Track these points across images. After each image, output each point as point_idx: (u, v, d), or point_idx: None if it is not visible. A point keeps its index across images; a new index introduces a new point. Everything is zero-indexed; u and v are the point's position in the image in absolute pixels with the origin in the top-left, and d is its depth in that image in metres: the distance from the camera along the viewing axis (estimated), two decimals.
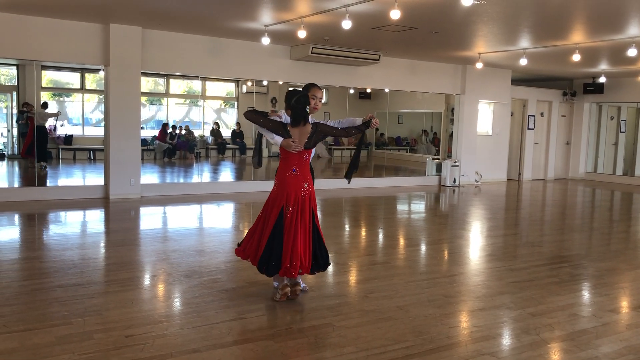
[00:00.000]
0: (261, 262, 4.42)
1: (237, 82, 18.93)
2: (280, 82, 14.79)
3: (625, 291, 5.25)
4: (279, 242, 4.37)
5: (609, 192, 13.92)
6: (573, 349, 3.74)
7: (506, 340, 3.96)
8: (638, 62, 11.85)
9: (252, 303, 4.44)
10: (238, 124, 18.90)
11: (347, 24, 7.46)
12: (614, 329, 4.13)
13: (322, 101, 4.79)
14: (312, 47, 10.56)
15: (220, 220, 8.69)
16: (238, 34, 10.18)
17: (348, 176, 4.77)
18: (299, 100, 4.40)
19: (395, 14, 6.84)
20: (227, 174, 15.43)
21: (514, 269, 5.83)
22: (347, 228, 8.36)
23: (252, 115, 4.42)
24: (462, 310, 4.57)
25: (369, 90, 18.07)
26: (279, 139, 4.41)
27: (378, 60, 11.54)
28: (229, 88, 19.57)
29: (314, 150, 4.58)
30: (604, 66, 13.02)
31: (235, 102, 19.54)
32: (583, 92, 15.92)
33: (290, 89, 4.61)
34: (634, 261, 6.49)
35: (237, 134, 18.62)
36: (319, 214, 4.87)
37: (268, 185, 12.64)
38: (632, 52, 9.16)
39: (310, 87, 4.68)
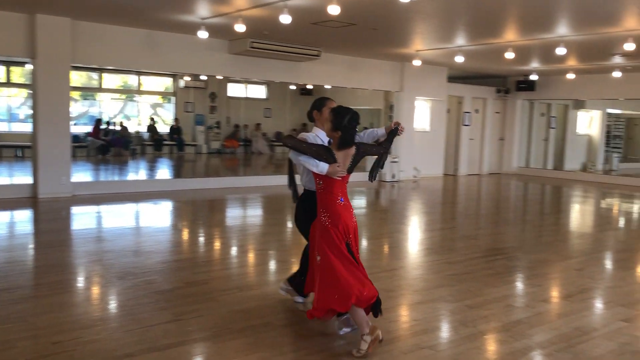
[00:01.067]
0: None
1: (174, 76, 18.48)
2: (220, 77, 14.54)
3: (556, 281, 5.45)
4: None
5: (540, 185, 14.48)
6: (508, 339, 3.82)
7: (445, 333, 4.01)
8: (567, 60, 12.37)
9: (190, 304, 4.31)
10: (176, 119, 18.47)
11: (285, 19, 7.38)
12: (546, 319, 4.26)
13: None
14: (251, 42, 10.41)
15: (157, 220, 8.43)
16: (174, 27, 9.91)
17: (373, 176, 4.04)
18: (352, 120, 3.75)
19: (334, 10, 6.83)
20: (164, 171, 15.04)
21: (451, 262, 5.94)
22: (289, 225, 8.29)
23: (293, 141, 3.77)
24: (401, 304, 4.61)
25: (310, 87, 18.08)
26: (324, 166, 3.69)
27: (318, 56, 11.52)
28: (166, 83, 19.08)
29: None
30: (535, 64, 13.51)
31: (173, 97, 19.09)
32: (516, 89, 16.48)
33: (334, 106, 3.94)
34: (564, 252, 6.75)
35: (174, 130, 18.20)
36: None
37: (208, 183, 12.42)
38: (561, 51, 9.53)
39: (325, 100, 4.12)
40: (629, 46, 8.55)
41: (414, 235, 7.74)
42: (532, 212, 10.62)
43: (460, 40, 10.34)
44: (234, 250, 6.41)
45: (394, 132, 3.99)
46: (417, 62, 12.00)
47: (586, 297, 4.87)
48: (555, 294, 5.05)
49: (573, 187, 13.99)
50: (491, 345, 3.79)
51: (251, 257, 6.11)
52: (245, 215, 9.21)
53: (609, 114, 19.19)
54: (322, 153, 3.72)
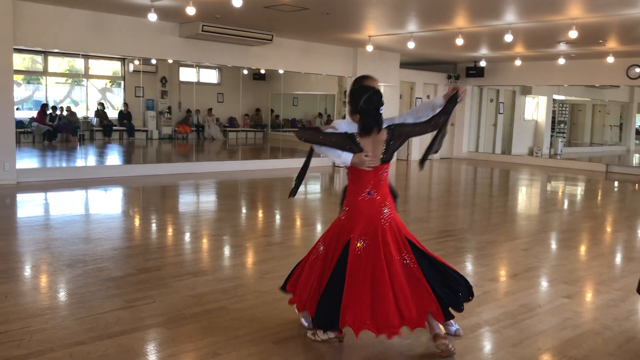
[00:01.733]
0: (318, 315, 3.32)
1: (123, 60, 17.97)
2: (170, 61, 14.26)
3: (503, 261, 5.63)
4: (339, 289, 3.23)
5: (489, 169, 14.87)
6: (457, 317, 3.92)
7: None
8: (514, 47, 12.69)
9: (142, 290, 4.26)
10: (125, 104, 18.00)
11: (237, 2, 7.29)
12: (493, 297, 4.41)
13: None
14: (203, 25, 10.24)
15: (107, 207, 8.25)
16: (123, 9, 9.64)
17: (423, 162, 3.71)
18: (370, 100, 3.27)
19: None
20: (114, 157, 14.69)
21: None
22: (243, 210, 8.26)
23: (307, 133, 3.43)
24: None
25: (263, 71, 17.92)
26: (347, 156, 3.26)
27: (271, 40, 11.44)
28: (114, 67, 18.55)
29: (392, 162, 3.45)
30: (484, 51, 13.81)
31: (122, 82, 18.58)
32: (466, 75, 16.80)
33: (354, 87, 3.49)
34: (511, 233, 6.98)
35: (124, 115, 17.73)
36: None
37: (159, 169, 12.25)
38: (508, 38, 9.77)
39: (363, 79, 3.67)
40: (573, 34, 8.83)
41: None
42: (482, 195, 10.91)
43: (412, 27, 10.46)
44: (187, 237, 6.34)
45: (453, 98, 3.35)
46: (369, 48, 12.07)
47: (531, 275, 5.06)
48: (502, 273, 5.22)
49: (520, 171, 14.43)
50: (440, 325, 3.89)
51: (205, 242, 6.07)
52: (198, 201, 9.12)
53: (555, 100, 19.83)
54: (343, 142, 3.28)
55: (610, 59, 12.83)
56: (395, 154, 3.41)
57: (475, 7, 8.67)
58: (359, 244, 3.26)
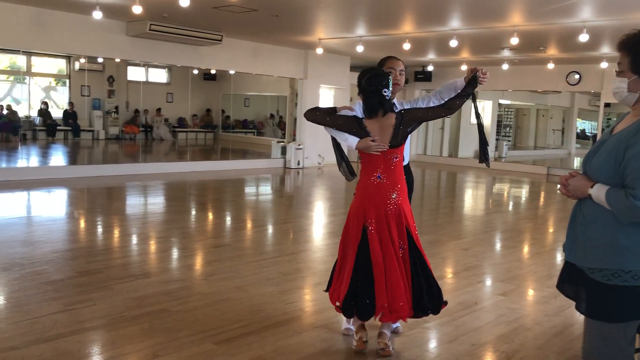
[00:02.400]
0: (346, 303, 3.26)
1: (68, 58, 17.49)
2: (118, 60, 13.99)
3: (445, 260, 5.79)
4: (367, 273, 3.23)
5: (436, 172, 15.22)
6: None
7: None
8: (460, 52, 13.04)
9: (82, 293, 4.19)
10: (70, 103, 17.53)
11: (184, 2, 7.24)
12: None
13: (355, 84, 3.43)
14: (150, 24, 10.09)
15: (49, 208, 8.02)
16: (67, 6, 9.40)
17: (486, 159, 3.54)
18: (370, 81, 3.20)
19: None
20: (58, 157, 14.27)
21: None
22: (192, 212, 8.19)
23: (315, 114, 3.33)
24: (299, 286, 4.73)
25: (214, 72, 17.78)
26: (353, 140, 3.23)
27: (220, 40, 11.38)
28: (59, 65, 18.02)
29: (407, 147, 3.39)
30: (431, 56, 14.13)
31: (67, 80, 18.07)
32: (414, 79, 17.14)
33: (365, 69, 3.34)
34: (454, 233, 7.18)
35: (69, 115, 17.27)
36: (417, 234, 3.49)
37: (106, 170, 11.98)
38: (453, 43, 10.04)
39: (385, 60, 3.56)
40: (514, 40, 9.16)
41: (317, 220, 7.92)
42: (428, 197, 11.16)
43: (361, 31, 10.61)
44: (133, 239, 6.25)
45: (473, 80, 3.27)
46: (319, 51, 12.17)
47: (470, 274, 5.23)
48: (442, 272, 5.36)
49: (466, 174, 14.83)
50: None
51: (151, 245, 6.00)
52: (145, 202, 8.98)
53: (500, 104, 20.45)
54: (350, 125, 3.24)
55: (550, 66, 13.35)
56: (409, 140, 3.38)
57: (422, 13, 8.88)
58: (371, 229, 3.26)
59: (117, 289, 4.31)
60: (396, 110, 3.30)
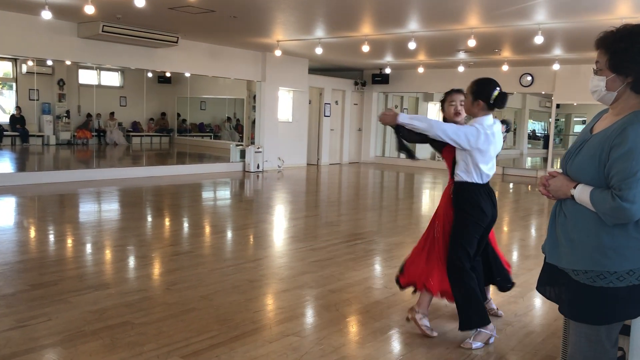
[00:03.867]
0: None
1: (15, 60, 16.80)
2: (68, 62, 13.52)
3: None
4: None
5: (395, 173, 15.31)
6: (369, 320, 3.98)
7: (309, 318, 4.07)
8: (417, 55, 13.16)
9: (36, 308, 3.95)
10: (18, 108, 16.85)
11: (139, 2, 7.01)
12: (401, 298, 4.49)
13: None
14: (103, 25, 9.76)
15: None
16: (12, 6, 8.99)
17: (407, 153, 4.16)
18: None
19: None
20: (5, 164, 13.66)
21: (315, 249, 6.06)
22: (148, 219, 7.93)
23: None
24: (266, 293, 4.60)
25: (168, 74, 17.42)
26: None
27: (176, 42, 11.12)
28: (5, 67, 17.28)
29: (458, 159, 3.66)
30: (389, 58, 14.21)
31: (14, 84, 17.35)
32: (372, 82, 17.23)
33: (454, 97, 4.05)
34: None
35: (16, 119, 16.59)
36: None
37: (57, 176, 11.48)
38: (411, 46, 10.10)
39: (446, 94, 4.12)
40: (471, 42, 9.28)
41: (279, 224, 7.79)
42: (388, 198, 11.19)
43: (320, 32, 10.55)
44: (88, 248, 5.98)
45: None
46: (278, 53, 12.05)
47: None
48: None
49: (423, 174, 14.96)
50: (353, 327, 3.91)
51: (107, 254, 5.75)
52: (100, 209, 8.64)
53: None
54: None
55: (505, 68, 13.63)
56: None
57: (381, 15, 8.89)
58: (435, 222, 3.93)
59: (74, 302, 4.09)
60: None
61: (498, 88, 3.74)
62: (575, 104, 15.61)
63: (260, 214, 8.55)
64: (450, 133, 3.54)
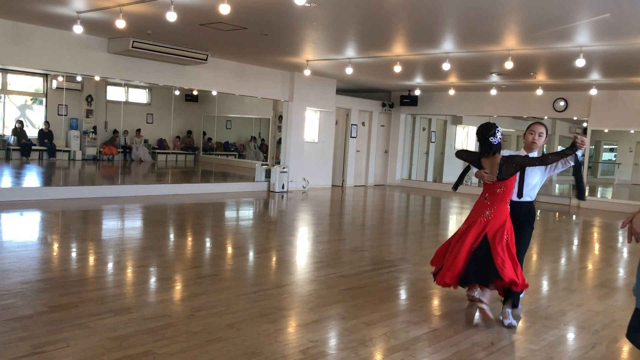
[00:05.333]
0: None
1: (45, 76, 16.98)
2: (97, 78, 13.57)
3: (444, 294, 5.40)
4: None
5: (421, 197, 14.96)
6: (409, 358, 3.66)
7: (344, 354, 3.76)
8: (448, 77, 12.90)
9: (54, 332, 3.72)
10: (46, 122, 16.97)
11: (171, 16, 6.88)
12: (444, 334, 4.16)
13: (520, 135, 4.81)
14: (133, 41, 9.71)
15: (20, 233, 7.48)
16: (45, 20, 8.98)
17: (581, 195, 4.69)
18: (480, 130, 4.53)
19: (224, 9, 6.46)
20: (32, 178, 13.66)
21: (344, 276, 5.76)
22: (172, 238, 7.72)
23: (460, 153, 4.85)
24: (296, 324, 4.30)
25: (195, 92, 17.42)
26: (474, 170, 4.64)
27: (205, 60, 11.04)
28: (36, 83, 17.48)
29: (531, 186, 4.59)
30: (419, 80, 13.96)
31: (44, 99, 17.51)
32: (400, 103, 16.99)
33: (535, 129, 4.66)
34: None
35: (45, 134, 16.69)
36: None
37: (82, 192, 11.38)
38: (446, 67, 9.84)
39: (530, 125, 4.71)
40: (509, 65, 8.98)
41: (305, 247, 7.51)
42: (416, 223, 10.85)
43: (351, 52, 10.36)
44: (109, 268, 5.77)
45: (572, 145, 4.30)
46: (307, 72, 11.90)
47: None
48: (449, 308, 5.00)
49: (450, 199, 14.58)
50: None
51: (129, 275, 5.53)
52: (123, 227, 8.47)
53: None
54: (473, 159, 4.64)
55: (539, 92, 13.28)
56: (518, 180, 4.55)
57: (414, 35, 8.66)
58: (462, 227, 4.70)
59: (93, 327, 3.85)
60: (503, 154, 4.48)
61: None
62: (606, 131, 15.15)
63: (285, 236, 8.29)
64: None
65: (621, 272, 6.89)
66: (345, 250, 7.36)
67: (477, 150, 4.67)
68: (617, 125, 13.96)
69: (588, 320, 4.70)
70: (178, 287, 5.15)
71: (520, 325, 4.49)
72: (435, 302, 5.08)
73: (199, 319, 4.17)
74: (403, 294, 5.28)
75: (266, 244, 7.64)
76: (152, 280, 5.40)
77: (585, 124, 15.17)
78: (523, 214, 4.61)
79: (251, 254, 6.88)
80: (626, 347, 4.11)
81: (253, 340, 3.79)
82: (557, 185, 21.37)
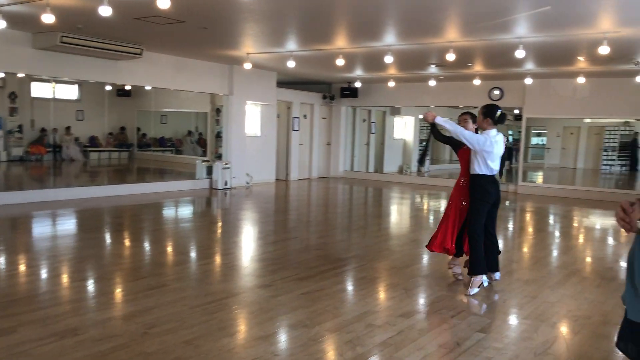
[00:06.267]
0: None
1: None
2: (22, 75, 12.73)
3: (408, 292, 5.35)
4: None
5: (364, 188, 14.99)
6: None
7: None
8: (388, 69, 12.91)
9: None
10: None
11: (105, 11, 6.44)
12: (408, 337, 4.08)
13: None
14: (62, 36, 9.11)
15: None
16: None
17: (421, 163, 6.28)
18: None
19: (163, 3, 6.11)
20: None
21: (301, 278, 5.60)
22: (111, 245, 7.30)
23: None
24: (257, 336, 4.10)
25: (128, 88, 16.71)
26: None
27: (140, 54, 10.53)
28: None
29: (473, 158, 5.28)
30: (359, 72, 13.92)
31: None
32: (340, 95, 16.93)
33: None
34: (405, 257, 6.79)
35: None
36: None
37: (8, 198, 10.58)
38: (388, 59, 9.80)
39: (460, 115, 5.66)
40: (450, 56, 9.04)
41: (258, 249, 7.30)
42: (366, 216, 10.82)
43: (292, 45, 10.15)
44: (47, 284, 5.36)
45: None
46: (248, 65, 11.60)
47: (438, 307, 4.83)
48: (410, 306, 4.92)
49: (391, 189, 14.68)
50: None
51: (70, 290, 5.15)
52: (57, 235, 7.93)
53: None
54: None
55: (476, 82, 13.53)
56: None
57: (357, 28, 8.55)
58: (464, 203, 5.51)
59: (37, 355, 3.52)
60: None
61: (500, 110, 5.24)
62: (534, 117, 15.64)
63: (235, 236, 8.04)
64: (467, 136, 5.13)
65: (565, 257, 7.08)
66: (297, 250, 7.19)
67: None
68: (549, 112, 14.44)
69: (545, 312, 4.75)
70: (125, 301, 4.83)
71: (483, 322, 4.48)
72: (393, 301, 5.00)
73: (152, 337, 3.90)
74: (362, 295, 5.17)
75: (214, 247, 7.36)
76: (96, 294, 5.04)
77: (516, 111, 15.65)
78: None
79: (200, 260, 6.60)
80: (586, 340, 4.18)
81: (213, 358, 3.57)
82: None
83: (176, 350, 3.69)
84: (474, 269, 5.22)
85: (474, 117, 5.45)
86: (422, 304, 5.02)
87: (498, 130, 5.25)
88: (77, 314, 4.40)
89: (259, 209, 10.89)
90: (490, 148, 5.09)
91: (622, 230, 1.93)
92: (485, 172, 5.18)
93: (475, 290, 5.16)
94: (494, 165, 5.18)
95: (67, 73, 10.92)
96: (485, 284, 5.33)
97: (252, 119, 14.63)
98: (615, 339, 2.08)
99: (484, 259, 5.25)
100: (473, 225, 5.22)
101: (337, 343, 3.92)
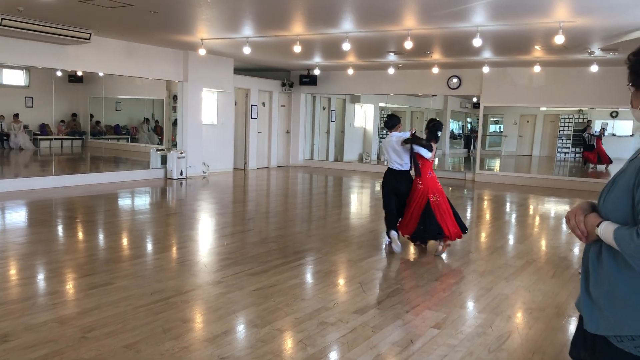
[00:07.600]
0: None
1: None
2: None
3: (363, 287, 5.24)
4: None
5: (324, 177, 14.87)
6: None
7: None
8: (347, 56, 12.76)
9: None
10: None
11: None
12: (361, 335, 3.96)
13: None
14: (2, 19, 8.61)
15: None
16: None
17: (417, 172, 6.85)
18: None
19: None
20: None
21: (253, 274, 5.43)
22: (59, 240, 6.97)
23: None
24: (204, 338, 3.91)
25: (80, 73, 16.10)
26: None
27: (89, 39, 10.08)
28: None
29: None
30: (318, 59, 13.72)
31: None
32: (299, 83, 16.70)
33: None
34: (363, 249, 6.68)
35: None
36: None
37: None
38: (345, 47, 9.65)
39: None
40: (408, 44, 8.94)
41: (210, 243, 7.08)
42: (325, 206, 10.70)
43: (248, 31, 9.88)
44: None
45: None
46: (202, 52, 11.26)
47: (393, 302, 4.73)
48: (365, 302, 4.81)
49: (351, 177, 14.61)
50: None
51: (8, 291, 4.84)
52: (2, 230, 7.54)
53: (381, 108, 20.66)
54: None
55: (435, 70, 13.51)
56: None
57: (314, 14, 8.35)
58: (434, 198, 6.38)
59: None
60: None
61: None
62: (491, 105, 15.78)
63: (188, 230, 7.78)
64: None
65: (521, 247, 7.10)
66: (252, 243, 7.00)
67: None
68: (506, 101, 14.56)
69: (500, 305, 4.72)
70: (66, 302, 4.57)
71: (438, 317, 4.40)
72: (347, 296, 4.89)
73: (90, 342, 3.67)
74: (316, 291, 5.04)
75: (166, 241, 7.11)
76: (36, 295, 4.76)
77: (475, 99, 15.75)
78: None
79: (149, 255, 6.35)
80: (540, 334, 4.14)
81: None
82: (449, 159, 22.24)
83: (115, 355, 3.48)
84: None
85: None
86: (376, 299, 4.91)
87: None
88: (11, 318, 4.12)
89: (215, 199, 10.63)
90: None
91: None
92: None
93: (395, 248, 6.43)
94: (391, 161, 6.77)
95: (12, 58, 10.41)
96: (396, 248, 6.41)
97: (208, 106, 14.29)
98: (569, 347, 1.99)
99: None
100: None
101: (287, 344, 3.77)
